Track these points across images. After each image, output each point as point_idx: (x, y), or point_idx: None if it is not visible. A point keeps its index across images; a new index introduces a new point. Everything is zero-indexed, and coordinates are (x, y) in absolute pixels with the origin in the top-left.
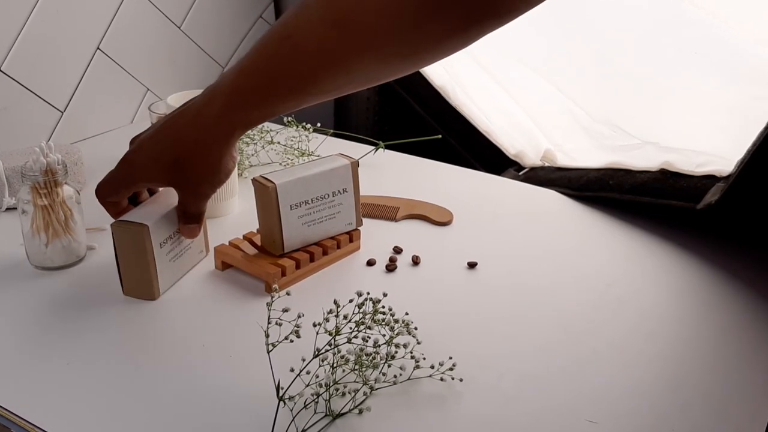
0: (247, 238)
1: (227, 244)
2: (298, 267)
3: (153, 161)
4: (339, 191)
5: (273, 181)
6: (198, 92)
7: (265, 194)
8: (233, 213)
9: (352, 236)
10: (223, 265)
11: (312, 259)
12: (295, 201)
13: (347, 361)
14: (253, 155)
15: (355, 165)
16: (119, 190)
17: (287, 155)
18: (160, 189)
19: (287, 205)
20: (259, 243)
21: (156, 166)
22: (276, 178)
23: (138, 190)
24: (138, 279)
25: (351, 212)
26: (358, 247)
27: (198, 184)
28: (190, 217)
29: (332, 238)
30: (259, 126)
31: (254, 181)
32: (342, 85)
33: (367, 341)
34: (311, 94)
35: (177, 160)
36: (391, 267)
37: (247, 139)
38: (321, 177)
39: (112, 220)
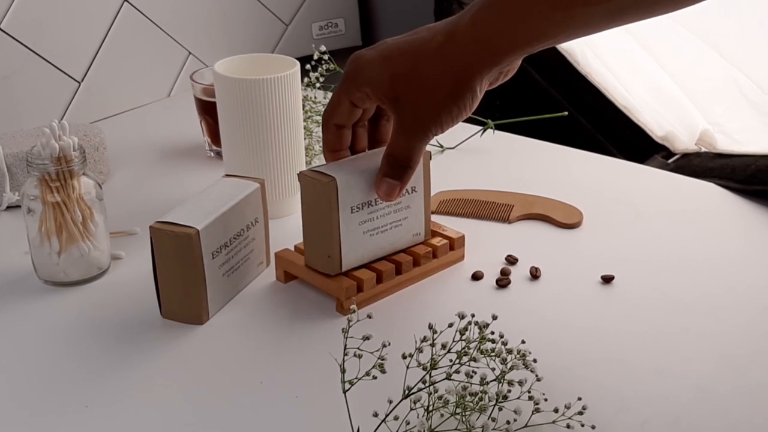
0: None
1: (292, 249)
2: (379, 281)
3: (385, 60)
4: (407, 191)
5: (330, 175)
6: (255, 57)
7: (320, 192)
8: (297, 213)
9: (453, 243)
10: (286, 276)
11: (398, 271)
12: (357, 202)
13: (446, 402)
14: None
15: (426, 157)
16: (341, 100)
17: None
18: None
19: (348, 207)
20: None
21: (386, 67)
22: (331, 171)
23: (359, 101)
24: (182, 298)
25: (420, 218)
26: (462, 257)
27: (423, 105)
28: (394, 163)
29: (426, 244)
30: None
31: (302, 175)
32: None
33: (471, 377)
34: None
35: (412, 69)
36: (502, 282)
37: (318, 117)
38: None
39: (145, 223)
